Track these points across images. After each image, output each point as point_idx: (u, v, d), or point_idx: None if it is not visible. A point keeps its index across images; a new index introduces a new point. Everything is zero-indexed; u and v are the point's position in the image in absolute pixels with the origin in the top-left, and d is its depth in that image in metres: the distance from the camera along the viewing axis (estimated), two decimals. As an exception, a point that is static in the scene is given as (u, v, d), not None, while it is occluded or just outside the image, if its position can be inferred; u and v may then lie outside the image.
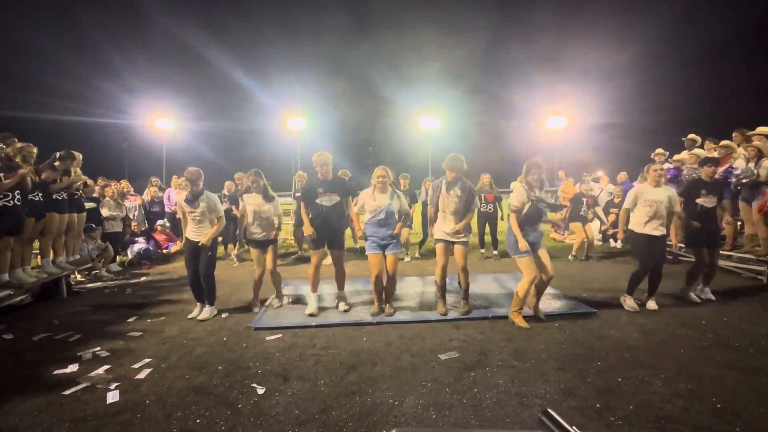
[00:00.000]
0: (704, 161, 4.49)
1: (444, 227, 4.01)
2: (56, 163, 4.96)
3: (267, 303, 4.59)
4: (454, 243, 4.00)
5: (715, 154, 5.99)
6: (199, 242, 4.10)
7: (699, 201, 4.28)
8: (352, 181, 7.26)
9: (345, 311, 4.20)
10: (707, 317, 3.86)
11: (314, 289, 4.25)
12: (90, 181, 6.49)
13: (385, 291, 4.13)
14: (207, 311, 4.18)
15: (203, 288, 4.20)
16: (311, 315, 4.07)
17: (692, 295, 4.39)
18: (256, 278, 4.44)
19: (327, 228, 4.12)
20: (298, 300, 4.68)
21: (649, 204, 4.03)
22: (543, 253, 3.83)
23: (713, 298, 4.39)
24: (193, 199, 4.12)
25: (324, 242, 4.19)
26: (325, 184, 4.09)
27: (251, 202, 4.33)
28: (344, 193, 4.21)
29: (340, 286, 4.41)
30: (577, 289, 4.93)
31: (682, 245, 6.48)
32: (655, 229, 4.04)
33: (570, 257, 7.05)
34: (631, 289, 4.19)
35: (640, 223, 4.09)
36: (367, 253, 4.06)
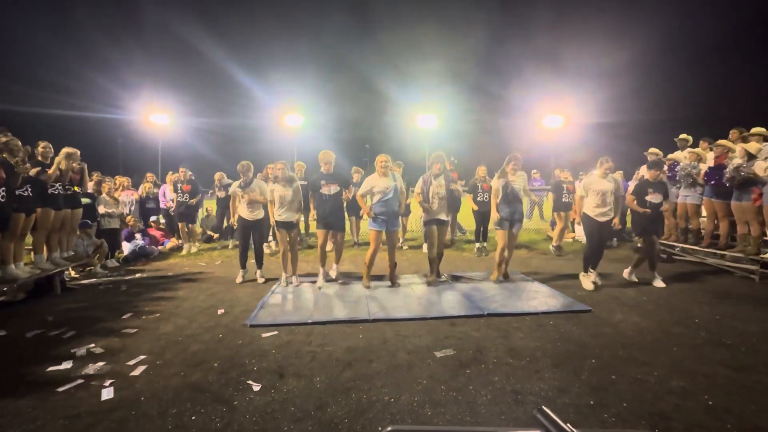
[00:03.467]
0: (650, 165, 5.22)
1: (434, 210, 4.99)
2: (39, 158, 4.90)
3: (274, 288, 5.05)
4: (440, 223, 5.04)
5: (712, 154, 6.04)
6: (251, 220, 5.35)
7: (647, 198, 5.03)
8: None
9: (342, 283, 5.13)
10: (700, 315, 3.90)
11: (323, 264, 5.11)
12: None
13: (390, 266, 4.97)
14: (259, 274, 5.43)
15: (254, 256, 5.53)
16: (320, 288, 4.94)
17: (631, 275, 5.24)
18: (282, 254, 5.24)
19: (330, 212, 4.96)
20: (300, 293, 4.71)
21: (596, 193, 4.87)
22: (515, 234, 5.16)
23: (663, 285, 4.97)
24: (245, 186, 5.28)
25: (328, 224, 5.02)
26: (326, 177, 4.93)
27: (278, 189, 5.07)
28: (343, 183, 5.03)
29: (337, 260, 5.33)
30: (571, 287, 4.95)
31: (677, 244, 6.56)
32: (603, 215, 4.88)
33: (551, 247, 7.24)
34: (586, 266, 4.98)
35: (590, 208, 4.93)
36: (371, 228, 4.83)
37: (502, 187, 5.04)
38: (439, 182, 4.98)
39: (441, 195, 4.97)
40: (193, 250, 7.77)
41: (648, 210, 4.92)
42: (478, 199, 7.38)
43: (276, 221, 5.11)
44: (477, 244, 7.56)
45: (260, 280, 5.38)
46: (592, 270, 4.95)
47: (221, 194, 8.06)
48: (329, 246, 5.74)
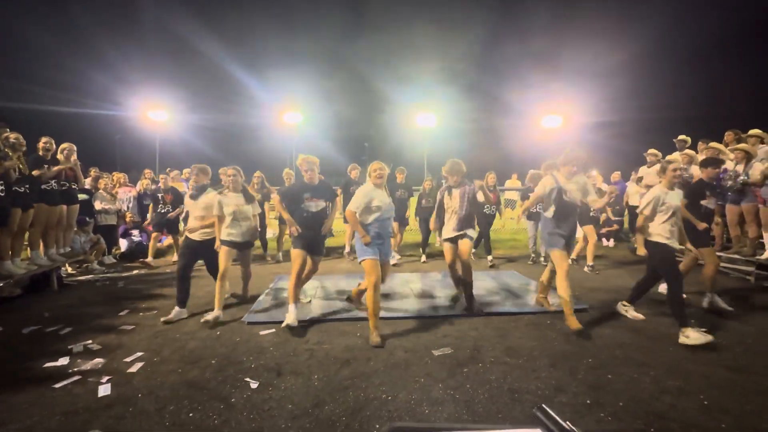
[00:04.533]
0: (706, 162, 4.24)
1: (449, 227, 4.10)
2: (40, 153, 4.87)
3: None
4: (459, 238, 4.07)
5: (705, 155, 6.06)
6: (199, 241, 4.09)
7: (704, 203, 4.13)
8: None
9: (308, 302, 4.32)
10: (696, 316, 3.91)
11: (294, 299, 3.79)
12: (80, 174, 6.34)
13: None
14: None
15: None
16: (289, 326, 3.57)
17: (719, 301, 4.05)
18: (220, 275, 3.94)
19: (311, 233, 3.85)
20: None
21: (669, 211, 3.57)
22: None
23: (731, 309, 4.06)
24: (196, 195, 4.14)
25: (308, 245, 3.87)
26: (311, 188, 3.85)
27: (230, 202, 4.00)
28: (331, 198, 4.01)
29: (304, 282, 4.29)
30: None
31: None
32: (674, 240, 3.60)
33: (587, 269, 6.07)
34: (683, 319, 3.29)
35: (662, 233, 3.58)
36: (367, 258, 3.42)
37: (553, 198, 3.70)
38: (457, 195, 4.01)
39: (457, 210, 4.02)
40: (154, 264, 6.78)
41: (705, 225, 4.00)
42: (484, 211, 6.50)
43: (222, 240, 3.99)
44: (474, 250, 6.30)
45: (227, 295, 4.28)
46: (687, 325, 3.27)
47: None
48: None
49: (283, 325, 3.60)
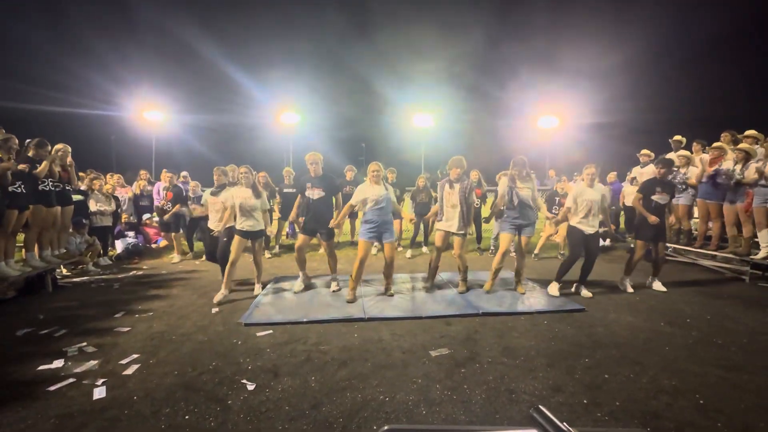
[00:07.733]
0: (658, 162, 4.87)
1: (448, 221, 4.58)
2: (30, 153, 4.82)
3: (267, 287, 4.99)
4: (452, 234, 4.58)
5: (707, 156, 6.11)
6: (215, 231, 4.87)
7: (654, 198, 4.69)
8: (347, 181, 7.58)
9: (335, 291, 4.75)
10: (691, 316, 3.94)
11: (301, 267, 4.78)
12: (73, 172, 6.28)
13: (385, 275, 4.66)
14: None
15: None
16: (296, 292, 4.64)
17: (627, 284, 4.89)
18: (230, 263, 4.51)
19: (314, 218, 4.64)
20: (286, 292, 4.68)
21: (585, 203, 4.56)
22: (524, 239, 4.65)
23: (664, 289, 4.82)
24: (217, 191, 4.92)
25: (311, 230, 4.68)
26: (312, 180, 4.66)
27: (239, 195, 4.59)
28: (330, 189, 4.69)
29: (333, 270, 4.95)
30: (565, 287, 4.98)
31: (669, 245, 6.61)
32: (589, 226, 4.58)
33: (533, 256, 6.94)
34: (559, 276, 4.66)
35: (576, 218, 4.64)
36: (359, 238, 4.48)
37: (507, 194, 4.61)
38: (457, 189, 4.49)
39: (454, 203, 4.49)
40: (175, 259, 6.95)
41: (656, 219, 4.59)
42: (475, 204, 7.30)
43: (236, 229, 4.61)
44: (479, 245, 7.69)
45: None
46: (558, 282, 4.66)
47: (193, 206, 6.84)
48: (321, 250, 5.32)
49: (294, 291, 4.70)
